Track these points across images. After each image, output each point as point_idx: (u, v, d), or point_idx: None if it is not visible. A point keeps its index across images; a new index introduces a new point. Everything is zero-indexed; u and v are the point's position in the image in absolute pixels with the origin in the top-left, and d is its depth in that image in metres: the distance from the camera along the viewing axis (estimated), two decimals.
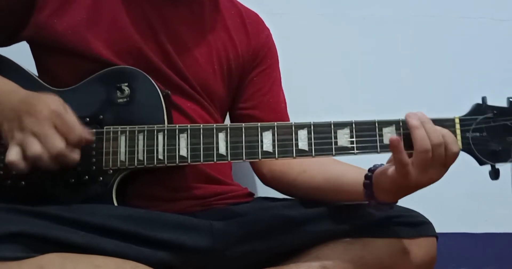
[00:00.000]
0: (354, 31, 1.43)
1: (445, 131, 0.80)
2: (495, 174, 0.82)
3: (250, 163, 1.08)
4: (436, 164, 0.79)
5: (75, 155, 0.80)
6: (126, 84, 0.89)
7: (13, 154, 0.77)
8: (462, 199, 1.42)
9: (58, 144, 0.77)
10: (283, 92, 1.13)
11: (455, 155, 0.80)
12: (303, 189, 0.98)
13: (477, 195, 1.41)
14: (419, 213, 0.94)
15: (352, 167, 0.92)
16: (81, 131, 0.80)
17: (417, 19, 1.44)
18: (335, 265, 0.86)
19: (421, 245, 0.91)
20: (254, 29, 1.09)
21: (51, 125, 0.77)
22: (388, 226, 0.90)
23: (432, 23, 1.44)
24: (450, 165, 0.81)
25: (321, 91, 1.40)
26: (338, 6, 1.43)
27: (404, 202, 0.95)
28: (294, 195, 1.01)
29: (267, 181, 1.05)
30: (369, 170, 0.87)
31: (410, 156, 0.79)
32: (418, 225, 0.92)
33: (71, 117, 0.80)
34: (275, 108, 1.08)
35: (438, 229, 0.94)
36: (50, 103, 0.79)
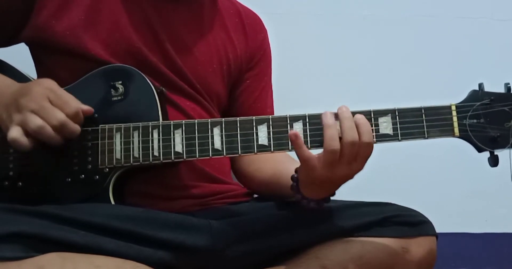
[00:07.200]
0: (354, 31, 1.43)
1: (361, 123, 0.78)
2: (494, 161, 0.80)
3: (231, 161, 1.09)
4: (345, 162, 0.77)
5: (76, 126, 0.81)
6: (120, 82, 0.89)
7: (14, 132, 0.78)
8: (462, 199, 1.42)
9: (58, 114, 0.79)
10: (271, 97, 1.13)
11: (369, 146, 0.77)
12: (256, 184, 1.03)
13: (477, 194, 1.41)
14: (418, 212, 0.94)
15: (297, 163, 0.92)
16: (77, 103, 0.82)
17: (417, 19, 1.44)
18: (334, 264, 0.85)
19: (421, 245, 0.90)
20: (252, 30, 1.09)
21: (46, 100, 0.79)
22: (387, 225, 0.90)
23: (432, 23, 1.44)
24: (366, 158, 0.79)
25: (321, 91, 1.40)
26: (338, 6, 1.43)
27: (404, 202, 0.95)
28: (253, 189, 1.05)
29: (237, 178, 1.08)
30: None
31: None
32: (418, 224, 0.91)
33: (65, 92, 0.82)
34: (261, 114, 1.06)
35: (438, 229, 0.94)
36: (43, 82, 0.82)
